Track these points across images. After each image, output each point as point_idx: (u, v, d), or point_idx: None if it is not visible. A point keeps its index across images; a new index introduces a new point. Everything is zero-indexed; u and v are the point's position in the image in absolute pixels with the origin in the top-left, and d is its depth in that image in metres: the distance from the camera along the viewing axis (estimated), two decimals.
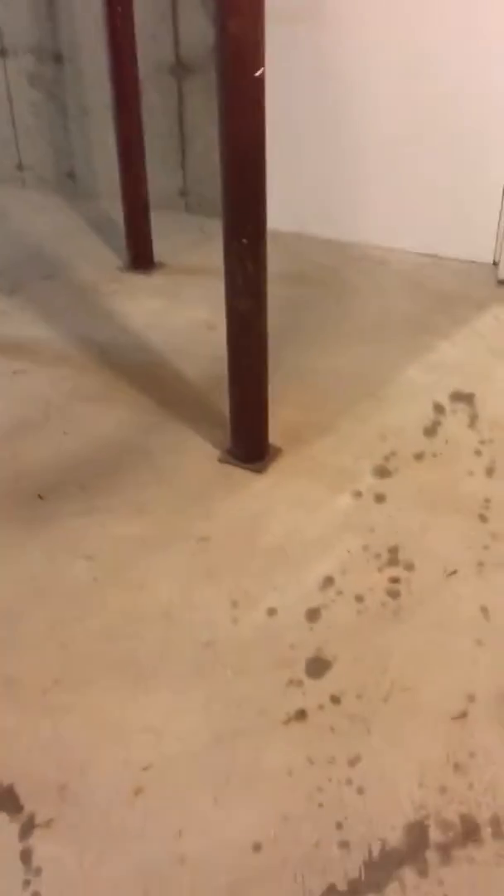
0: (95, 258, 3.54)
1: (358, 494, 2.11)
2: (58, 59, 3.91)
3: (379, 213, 3.47)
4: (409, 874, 1.30)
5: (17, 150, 4.29)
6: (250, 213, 1.88)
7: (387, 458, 2.23)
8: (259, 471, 2.20)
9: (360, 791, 1.42)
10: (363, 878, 1.30)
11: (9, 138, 4.28)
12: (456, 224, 3.34)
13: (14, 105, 4.16)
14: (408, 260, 3.42)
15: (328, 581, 1.84)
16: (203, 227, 3.76)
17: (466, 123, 3.15)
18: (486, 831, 1.35)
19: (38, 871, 1.31)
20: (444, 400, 2.47)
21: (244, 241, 1.90)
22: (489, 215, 3.27)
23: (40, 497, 2.13)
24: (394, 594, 1.81)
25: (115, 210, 3.82)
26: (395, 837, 1.35)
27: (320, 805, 1.40)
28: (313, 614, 1.76)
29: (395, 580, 1.84)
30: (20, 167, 4.33)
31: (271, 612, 1.77)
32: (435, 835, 1.35)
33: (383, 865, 1.31)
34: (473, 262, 3.37)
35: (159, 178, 3.79)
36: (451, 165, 3.24)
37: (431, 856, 1.32)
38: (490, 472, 2.16)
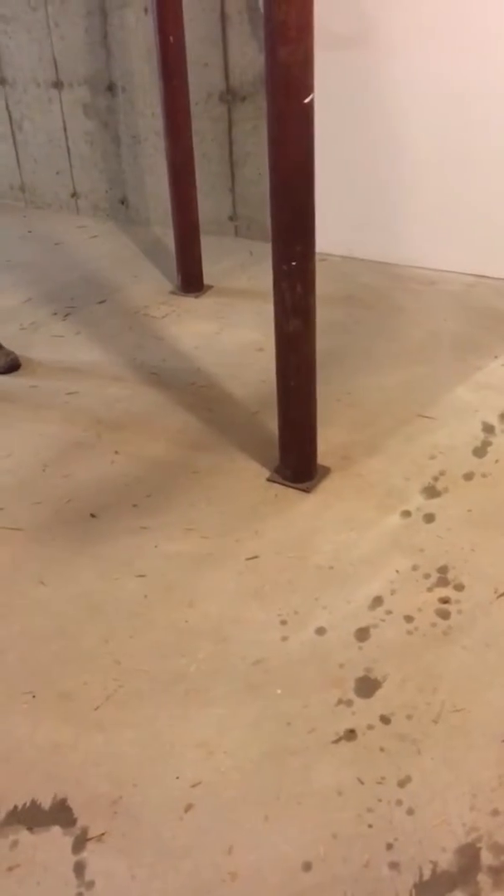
0: (147, 282, 3.61)
1: (407, 514, 2.10)
2: (111, 89, 4.02)
3: (426, 234, 3.48)
4: None
5: (71, 178, 4.40)
6: (299, 236, 1.91)
7: (436, 478, 2.22)
8: (307, 490, 2.21)
9: (411, 812, 1.41)
10: None
11: (64, 167, 4.40)
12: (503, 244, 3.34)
13: (69, 135, 4.28)
14: (456, 280, 3.41)
15: (377, 601, 1.84)
16: (252, 251, 3.81)
17: None
18: None
19: (90, 885, 1.33)
20: (494, 420, 2.45)
21: (293, 263, 1.93)
22: None
23: (93, 516, 2.17)
24: (444, 614, 1.80)
25: (166, 235, 3.90)
26: (446, 860, 1.34)
27: (370, 825, 1.40)
28: (362, 634, 1.76)
29: (444, 600, 1.83)
30: (75, 195, 4.45)
31: (320, 630, 1.78)
32: (487, 858, 1.34)
33: (434, 888, 1.30)
34: None
35: (209, 203, 3.86)
36: (498, 186, 3.23)
37: (483, 880, 1.31)
38: None
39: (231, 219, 3.96)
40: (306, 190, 1.87)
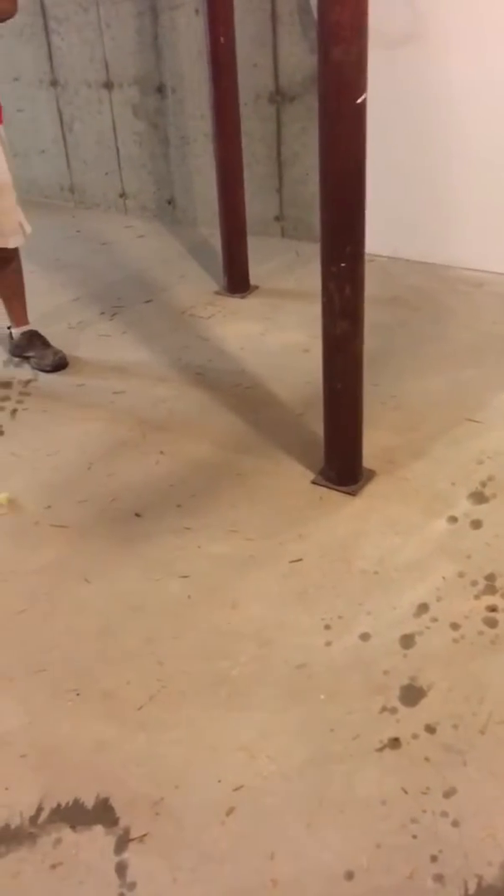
0: (193, 282, 3.61)
1: (453, 520, 2.07)
2: (161, 90, 4.04)
3: (475, 235, 3.43)
4: None
5: (120, 178, 4.43)
6: (349, 236, 1.89)
7: (483, 484, 2.18)
8: (352, 493, 2.19)
9: (456, 824, 1.39)
10: None
11: (113, 168, 4.43)
12: None
13: (118, 136, 4.31)
14: None
15: (423, 607, 1.82)
16: (298, 251, 3.79)
17: None
18: None
19: (132, 886, 1.33)
20: None
21: (342, 264, 1.91)
22: None
23: (137, 515, 2.18)
24: (491, 623, 1.76)
25: (212, 235, 3.90)
26: (491, 874, 1.31)
27: (414, 836, 1.37)
28: (407, 641, 1.74)
29: (492, 609, 1.80)
30: (123, 195, 4.48)
31: (364, 636, 1.76)
32: None
33: None
34: None
35: (256, 204, 3.85)
36: None
37: None
38: None
39: (278, 219, 3.95)
40: (357, 190, 1.85)
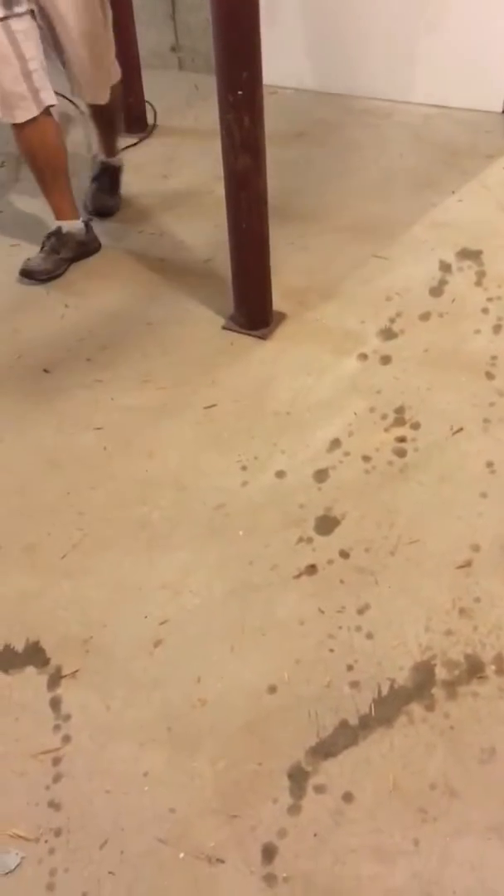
0: (86, 124, 3.38)
1: (363, 357, 2.10)
2: None
3: (382, 63, 3.28)
4: (416, 709, 1.38)
5: None
6: (245, 60, 1.78)
7: (392, 320, 2.20)
8: (263, 337, 2.18)
9: (370, 636, 1.49)
10: (373, 713, 1.38)
11: None
12: (464, 72, 3.16)
13: None
14: (413, 112, 3.26)
15: (335, 443, 1.87)
16: (198, 85, 3.57)
17: None
18: (490, 669, 1.42)
19: (67, 717, 1.40)
20: (451, 258, 2.41)
21: (239, 93, 1.81)
22: (499, 61, 3.09)
23: (46, 371, 2.13)
24: (400, 453, 1.83)
25: None
26: (402, 677, 1.42)
27: (331, 650, 1.47)
28: (321, 475, 1.79)
29: (401, 440, 1.86)
30: None
31: (280, 474, 1.80)
32: (441, 674, 1.42)
33: (392, 702, 1.39)
34: (482, 111, 3.21)
35: (149, 34, 3.58)
36: (459, 10, 3.03)
37: (438, 692, 1.40)
38: (497, 329, 2.14)
39: (174, 50, 3.69)
40: (251, 8, 1.73)
